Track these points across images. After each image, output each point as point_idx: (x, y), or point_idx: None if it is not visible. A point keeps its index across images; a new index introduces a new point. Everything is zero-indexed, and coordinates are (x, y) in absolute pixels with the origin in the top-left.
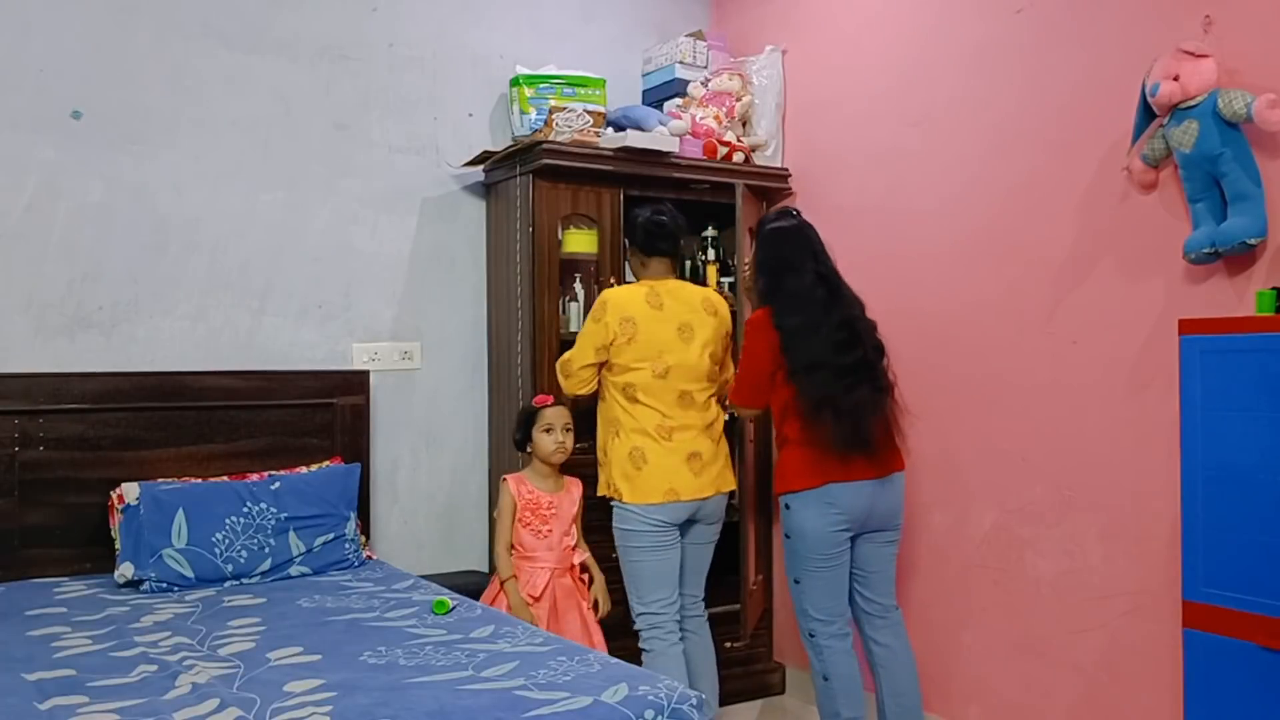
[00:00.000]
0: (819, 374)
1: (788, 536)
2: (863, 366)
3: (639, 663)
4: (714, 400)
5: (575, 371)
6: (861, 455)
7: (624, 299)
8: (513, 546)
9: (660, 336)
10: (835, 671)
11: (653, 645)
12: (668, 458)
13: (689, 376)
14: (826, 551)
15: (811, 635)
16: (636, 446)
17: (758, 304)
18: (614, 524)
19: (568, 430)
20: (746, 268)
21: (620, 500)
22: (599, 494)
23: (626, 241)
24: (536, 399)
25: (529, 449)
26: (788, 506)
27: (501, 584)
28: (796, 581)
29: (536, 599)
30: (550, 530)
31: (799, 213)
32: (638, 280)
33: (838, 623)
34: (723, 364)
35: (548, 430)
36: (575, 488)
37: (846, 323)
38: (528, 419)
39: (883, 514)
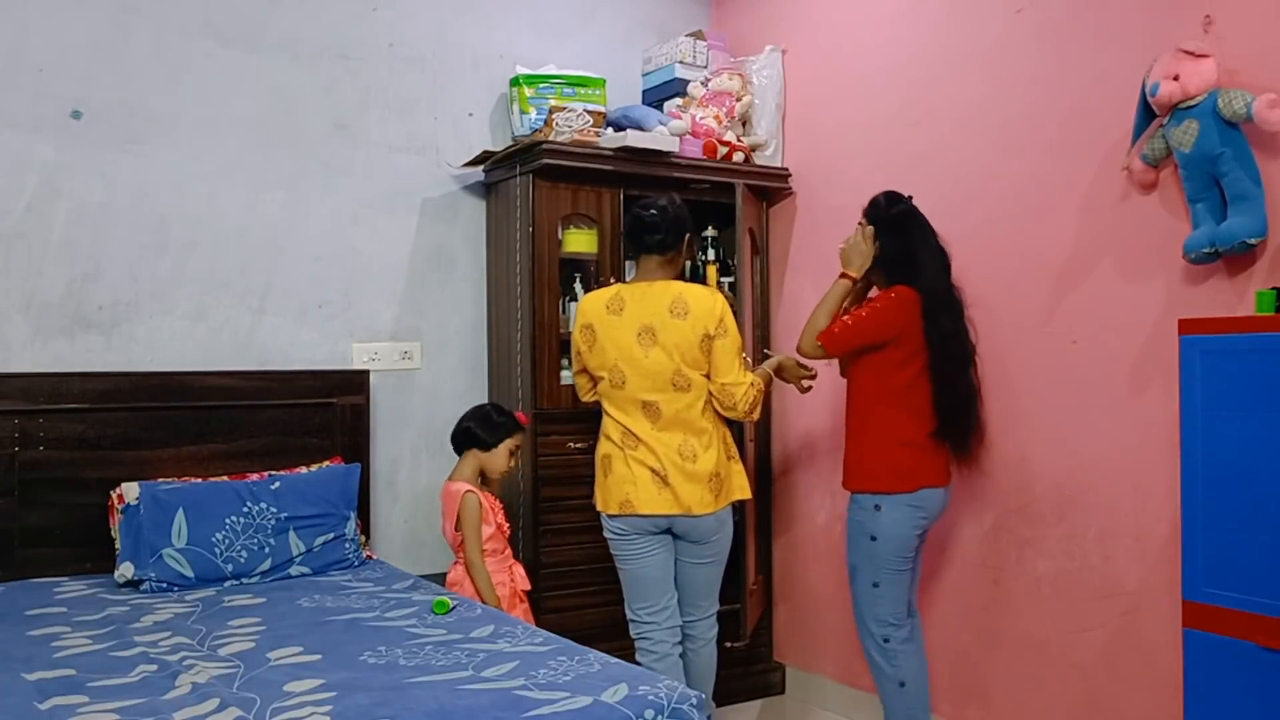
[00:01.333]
0: (962, 379)
1: (872, 539)
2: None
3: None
4: (698, 413)
5: (576, 379)
6: (953, 459)
7: (587, 305)
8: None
9: (616, 343)
10: (911, 676)
11: (641, 657)
12: (628, 468)
13: (649, 386)
14: (906, 554)
15: (886, 641)
16: (605, 454)
17: (888, 283)
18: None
19: (518, 453)
20: (844, 250)
21: (599, 510)
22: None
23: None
24: (519, 415)
25: (479, 449)
26: (878, 508)
27: (476, 586)
28: (875, 585)
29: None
30: (508, 527)
31: (911, 198)
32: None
33: (906, 626)
34: (714, 368)
35: (512, 451)
36: (487, 493)
37: (962, 316)
38: (505, 429)
39: (938, 518)
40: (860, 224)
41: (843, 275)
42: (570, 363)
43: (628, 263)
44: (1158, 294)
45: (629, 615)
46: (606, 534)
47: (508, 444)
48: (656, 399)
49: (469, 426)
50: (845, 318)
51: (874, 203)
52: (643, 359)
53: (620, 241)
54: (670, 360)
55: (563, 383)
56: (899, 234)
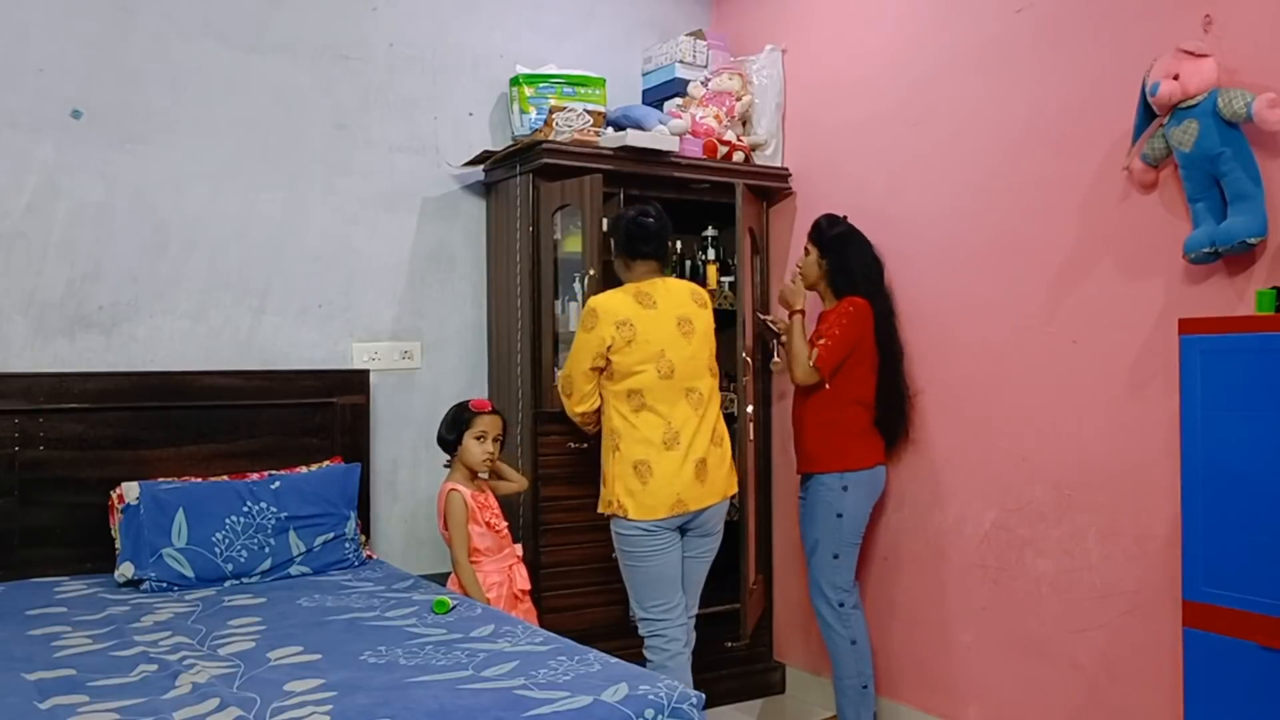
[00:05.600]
0: (900, 376)
1: (839, 515)
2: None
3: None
4: (717, 396)
5: (577, 387)
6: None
7: (614, 304)
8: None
9: (660, 334)
10: (860, 635)
11: (653, 655)
12: (674, 466)
13: (694, 372)
14: (863, 528)
15: (841, 605)
16: (640, 459)
17: (836, 296)
18: (613, 531)
19: (498, 441)
20: (800, 270)
21: (625, 517)
22: (600, 511)
23: (611, 243)
24: (473, 402)
25: (455, 453)
26: (845, 488)
27: (462, 584)
28: (836, 556)
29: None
30: (503, 526)
31: (846, 217)
32: (622, 284)
33: (855, 592)
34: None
35: (479, 437)
36: (486, 484)
37: (895, 319)
38: (460, 422)
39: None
40: (806, 248)
41: (794, 313)
42: (561, 364)
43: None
44: (1158, 294)
45: (640, 614)
46: (635, 535)
47: (470, 435)
48: (698, 385)
49: (439, 435)
50: (822, 341)
51: (817, 225)
52: (686, 347)
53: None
54: (704, 346)
55: (556, 384)
56: (842, 252)
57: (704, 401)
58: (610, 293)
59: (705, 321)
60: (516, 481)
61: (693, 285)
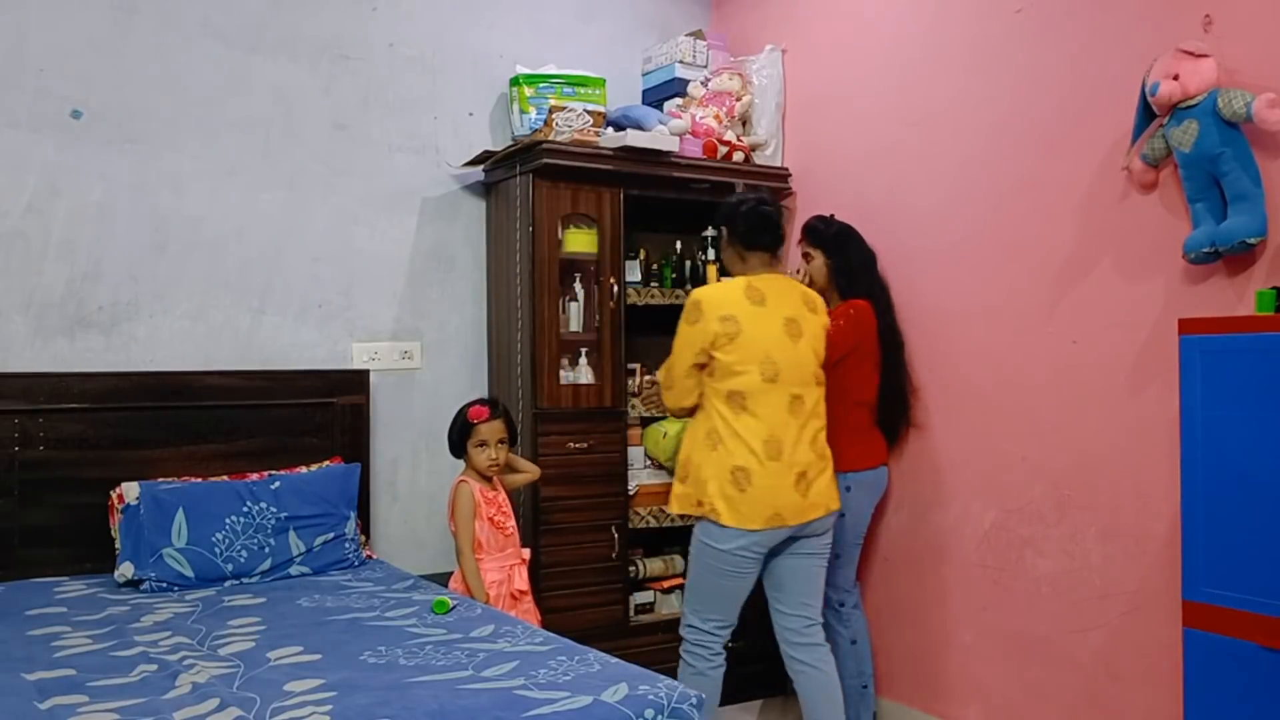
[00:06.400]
0: (902, 354)
1: (841, 516)
2: None
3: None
4: (822, 407)
5: (678, 381)
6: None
7: (721, 297)
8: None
9: (766, 335)
10: (860, 634)
11: (696, 662)
12: (774, 479)
13: (799, 379)
14: (864, 529)
15: (841, 605)
16: (740, 466)
17: (841, 296)
18: (698, 536)
19: (501, 444)
20: (809, 276)
21: (718, 522)
22: (679, 511)
23: (723, 231)
24: (471, 411)
25: (464, 458)
26: (848, 489)
27: (472, 592)
28: (838, 557)
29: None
30: (511, 526)
31: (833, 215)
32: (732, 276)
33: (855, 592)
34: (825, 365)
35: (481, 445)
36: (499, 481)
37: (893, 308)
38: (461, 432)
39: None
40: (808, 253)
41: None
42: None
43: (628, 262)
44: (1158, 294)
45: (692, 622)
46: (725, 548)
47: (471, 444)
48: (802, 393)
49: (448, 438)
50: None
51: (813, 229)
52: (792, 350)
53: (620, 241)
54: (812, 353)
55: (562, 383)
56: (844, 250)
57: (807, 411)
58: (717, 284)
59: (815, 327)
60: (529, 472)
61: (805, 288)
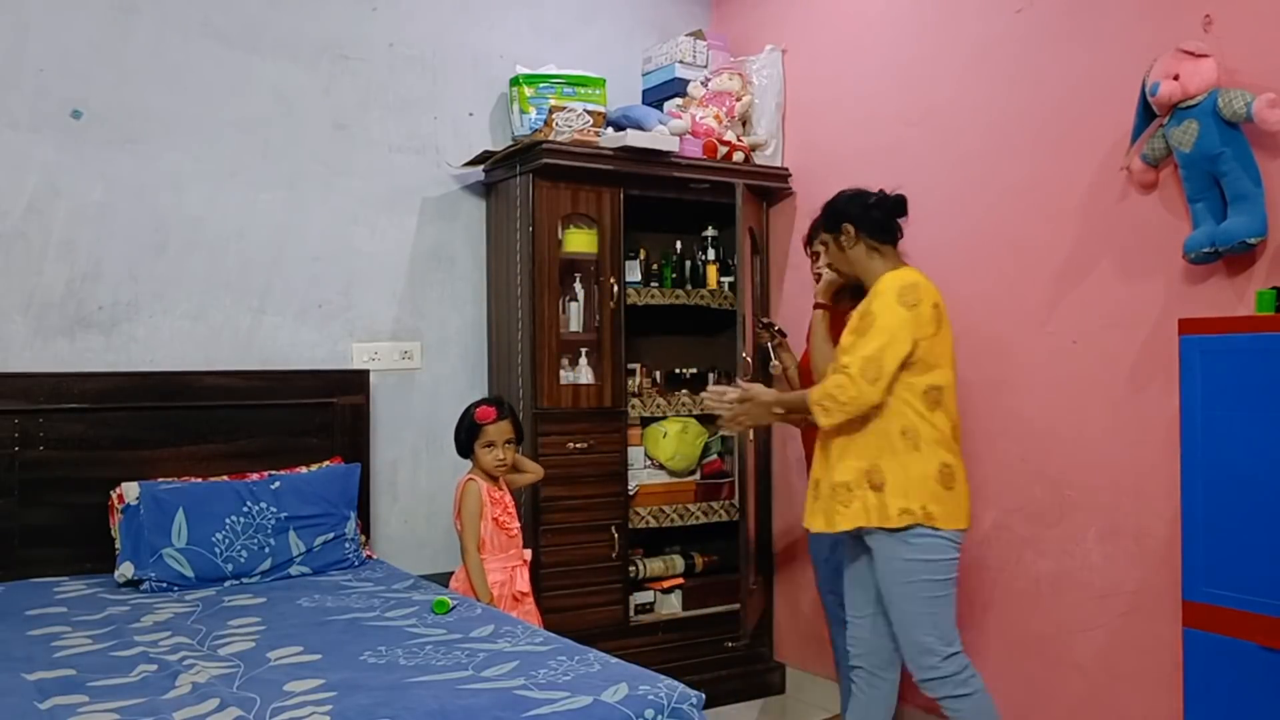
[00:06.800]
0: None
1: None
2: None
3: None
4: None
5: (886, 373)
6: None
7: (924, 281)
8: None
9: (949, 327)
10: None
11: (973, 685)
12: (964, 474)
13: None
14: None
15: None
16: (945, 462)
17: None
18: (912, 556)
19: (509, 445)
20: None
21: (933, 526)
22: (877, 525)
23: (847, 230)
24: (478, 412)
25: (470, 458)
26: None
27: (475, 590)
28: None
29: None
30: (515, 527)
31: None
32: (854, 277)
33: None
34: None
35: (488, 446)
36: (504, 481)
37: None
38: (469, 433)
39: None
40: (825, 244)
41: (815, 305)
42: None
43: (628, 262)
44: (1158, 294)
45: (948, 651)
46: (946, 556)
47: (478, 445)
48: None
49: (455, 438)
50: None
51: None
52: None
53: (620, 241)
54: None
55: (562, 383)
56: None
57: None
58: (908, 269)
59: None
60: (533, 472)
61: None
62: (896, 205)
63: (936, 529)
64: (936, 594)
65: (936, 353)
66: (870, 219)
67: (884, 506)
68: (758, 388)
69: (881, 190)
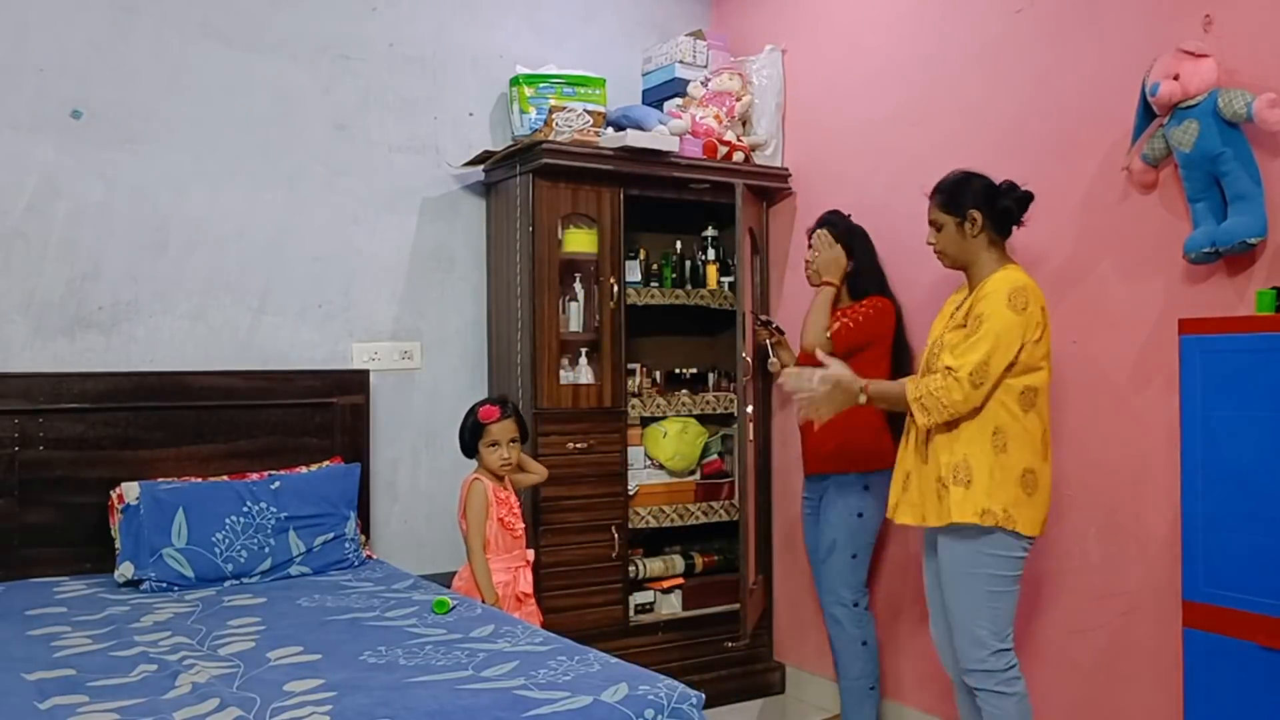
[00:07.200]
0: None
1: (859, 515)
2: None
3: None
4: None
5: (993, 377)
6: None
7: (1032, 283)
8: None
9: (1050, 331)
10: (870, 636)
11: (1016, 688)
12: (1050, 480)
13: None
14: (878, 528)
15: (856, 605)
16: (1030, 467)
17: (852, 294)
18: (981, 550)
19: (513, 444)
20: (813, 261)
21: (1015, 530)
22: (957, 519)
23: (975, 216)
24: (482, 412)
25: (475, 458)
26: (866, 487)
27: (480, 590)
28: (854, 556)
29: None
30: (520, 528)
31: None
32: (957, 266)
33: (867, 593)
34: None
35: (493, 445)
36: (508, 481)
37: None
38: (473, 432)
39: None
40: (820, 234)
41: (824, 283)
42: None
43: (628, 262)
44: (1158, 294)
45: (1000, 646)
46: (1017, 555)
47: (483, 444)
48: None
49: (459, 438)
50: (845, 320)
51: (830, 221)
52: None
53: (620, 241)
54: None
55: (562, 383)
56: (861, 247)
57: None
58: (1021, 269)
59: None
60: (537, 473)
61: None
62: (1025, 201)
63: (1020, 533)
64: (997, 589)
65: (1038, 355)
66: (999, 210)
67: (967, 503)
68: (846, 373)
69: (1008, 181)
